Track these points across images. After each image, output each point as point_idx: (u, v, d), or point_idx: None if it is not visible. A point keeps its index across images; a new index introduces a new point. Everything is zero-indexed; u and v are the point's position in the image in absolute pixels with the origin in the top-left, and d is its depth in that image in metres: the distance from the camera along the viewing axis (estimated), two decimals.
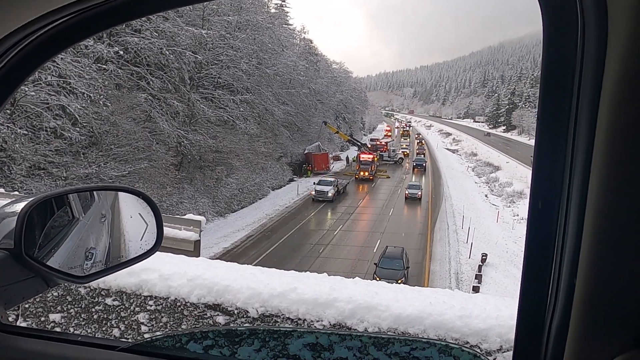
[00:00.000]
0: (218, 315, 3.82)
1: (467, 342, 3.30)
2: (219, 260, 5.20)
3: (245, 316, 3.73)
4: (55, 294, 4.16)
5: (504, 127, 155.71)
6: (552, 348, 1.00)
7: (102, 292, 4.09)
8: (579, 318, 0.93)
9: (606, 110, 0.83)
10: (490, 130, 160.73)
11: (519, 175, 61.02)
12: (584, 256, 0.90)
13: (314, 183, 49.28)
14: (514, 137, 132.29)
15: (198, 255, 17.05)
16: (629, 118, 0.80)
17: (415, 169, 74.71)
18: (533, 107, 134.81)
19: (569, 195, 0.93)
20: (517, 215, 45.86)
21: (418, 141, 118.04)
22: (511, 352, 1.09)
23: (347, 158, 73.90)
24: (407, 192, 50.83)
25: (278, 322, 3.64)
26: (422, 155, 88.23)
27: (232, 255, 30.94)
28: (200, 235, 22.44)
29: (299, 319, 3.64)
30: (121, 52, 31.49)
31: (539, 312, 1.03)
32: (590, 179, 0.87)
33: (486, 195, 58.96)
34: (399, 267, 27.74)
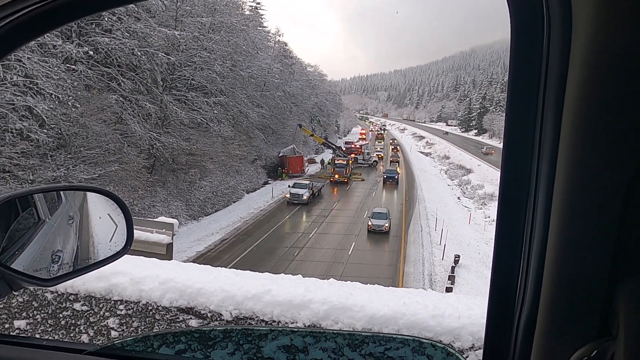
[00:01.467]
0: (191, 318, 3.76)
1: (441, 341, 3.34)
2: (192, 263, 5.13)
3: (218, 319, 3.68)
4: (20, 299, 4.02)
5: (476, 131, 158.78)
6: (520, 342, 1.02)
7: (70, 297, 3.98)
8: (546, 312, 0.95)
9: (570, 111, 0.85)
10: (448, 130, 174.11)
11: (490, 178, 62.35)
12: (550, 252, 0.93)
13: (289, 186, 49.16)
14: (485, 140, 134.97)
15: (170, 259, 16.79)
16: (592, 119, 0.83)
17: (387, 182, 62.58)
18: (503, 111, 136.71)
19: (536, 194, 0.96)
20: (489, 217, 46.80)
21: (393, 147, 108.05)
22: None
23: (322, 161, 74.03)
24: (370, 224, 38.39)
25: (252, 324, 3.61)
26: (397, 164, 79.62)
27: (206, 259, 30.55)
28: (172, 239, 22.11)
29: (274, 321, 3.62)
30: (91, 53, 30.75)
31: (508, 308, 1.05)
32: (555, 177, 0.90)
33: (459, 198, 59.98)
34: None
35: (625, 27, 0.75)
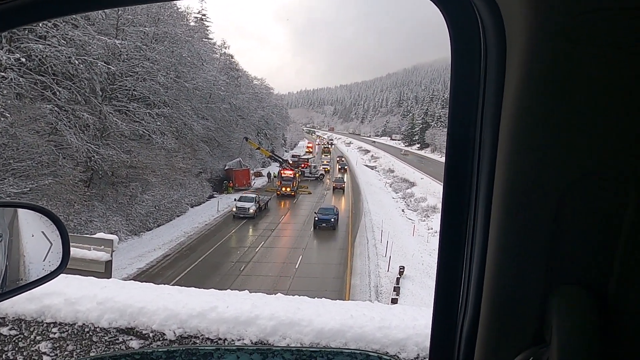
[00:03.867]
0: (131, 339, 3.59)
1: (387, 353, 3.39)
2: (133, 281, 4.92)
3: (161, 339, 3.54)
4: None
5: (419, 145, 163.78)
6: (463, 351, 1.05)
7: None
8: (486, 321, 0.99)
9: (506, 124, 0.90)
10: (375, 139, 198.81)
11: (433, 191, 64.38)
12: (489, 263, 0.97)
13: (235, 199, 48.41)
14: (428, 154, 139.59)
15: (110, 277, 16.02)
16: (526, 132, 0.88)
17: (321, 226, 42.55)
18: (444, 126, 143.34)
19: (476, 205, 1.00)
20: (431, 228, 48.22)
21: (339, 167, 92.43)
22: None
23: (269, 174, 73.62)
24: None
25: (197, 343, 3.50)
26: (342, 192, 62.96)
27: (147, 275, 29.38)
28: (112, 256, 21.14)
29: (220, 339, 3.53)
30: (23, 60, 29.09)
31: (452, 318, 1.08)
32: (494, 189, 0.95)
33: (403, 210, 61.42)
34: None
35: (558, 33, 0.80)
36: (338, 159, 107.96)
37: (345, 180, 71.82)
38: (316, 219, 43.84)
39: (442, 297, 1.09)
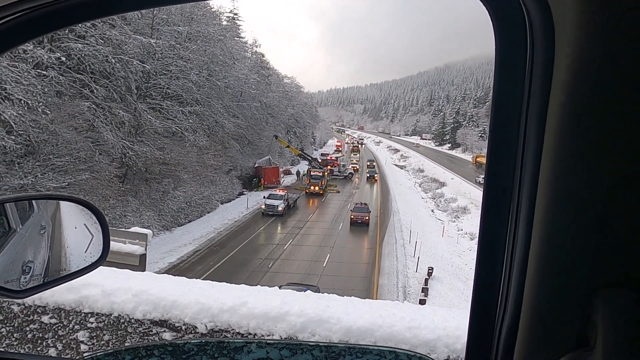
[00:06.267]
0: (165, 331, 3.68)
1: (416, 353, 3.36)
2: (166, 274, 5.04)
3: (193, 332, 3.62)
4: None
5: (449, 145, 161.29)
6: (502, 350, 1.03)
7: (38, 310, 3.84)
8: (527, 323, 0.97)
9: (552, 125, 0.88)
10: (392, 135, 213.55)
11: (463, 191, 63.32)
12: (531, 264, 0.95)
13: (264, 197, 48.90)
14: (459, 154, 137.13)
15: (144, 270, 16.44)
16: (571, 134, 0.85)
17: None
18: (476, 126, 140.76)
19: (519, 205, 0.98)
20: (462, 230, 47.44)
21: (368, 175, 76.71)
22: None
23: (298, 172, 73.98)
24: None
25: (228, 337, 3.55)
26: (365, 228, 42.76)
27: (178, 270, 30.00)
28: (146, 249, 21.68)
29: (250, 334, 3.58)
30: (63, 59, 30.13)
31: (489, 319, 1.07)
32: (538, 189, 0.92)
33: (432, 211, 60.63)
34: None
35: (606, 37, 0.78)
36: (368, 163, 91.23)
37: (371, 208, 48.79)
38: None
39: (480, 296, 1.07)
